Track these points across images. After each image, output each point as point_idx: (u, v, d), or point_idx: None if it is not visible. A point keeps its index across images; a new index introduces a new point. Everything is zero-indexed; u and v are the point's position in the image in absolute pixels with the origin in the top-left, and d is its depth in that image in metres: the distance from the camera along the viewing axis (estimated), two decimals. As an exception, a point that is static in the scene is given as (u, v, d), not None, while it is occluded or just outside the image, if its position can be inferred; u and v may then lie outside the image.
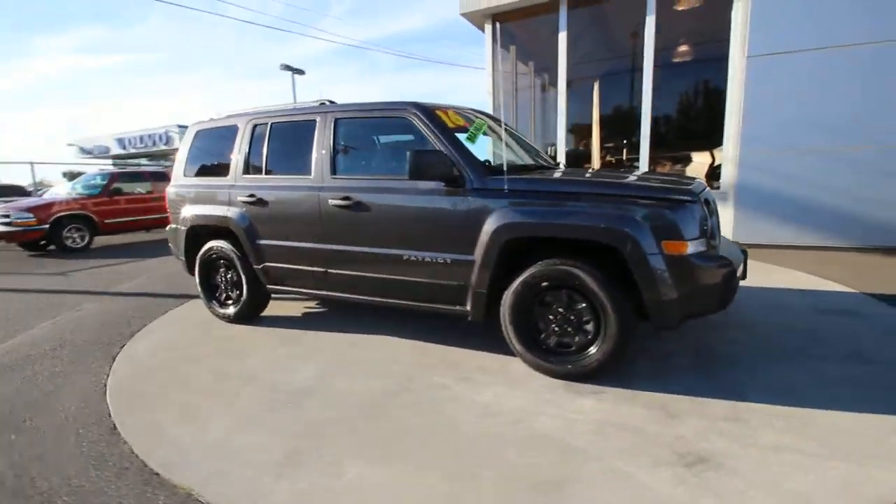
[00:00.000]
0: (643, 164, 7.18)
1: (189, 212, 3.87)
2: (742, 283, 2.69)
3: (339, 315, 4.02)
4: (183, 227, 3.92)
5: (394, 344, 3.29)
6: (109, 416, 2.48)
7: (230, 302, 3.85)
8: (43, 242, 8.72)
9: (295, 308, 4.24)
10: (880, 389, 2.39)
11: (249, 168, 3.57)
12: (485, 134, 3.18)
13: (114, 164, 25.75)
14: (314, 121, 3.28)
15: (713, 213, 2.58)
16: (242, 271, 3.63)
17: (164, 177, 10.58)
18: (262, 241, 3.47)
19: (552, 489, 1.77)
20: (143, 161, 26.58)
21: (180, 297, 4.83)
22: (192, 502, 1.80)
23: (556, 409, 2.33)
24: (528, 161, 3.52)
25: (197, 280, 3.93)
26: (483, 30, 8.33)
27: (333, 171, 3.17)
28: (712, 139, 8.29)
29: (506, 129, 3.55)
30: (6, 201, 9.94)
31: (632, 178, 2.84)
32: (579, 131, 10.20)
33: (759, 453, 1.92)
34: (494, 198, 2.62)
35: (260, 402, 2.55)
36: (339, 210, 3.08)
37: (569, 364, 2.55)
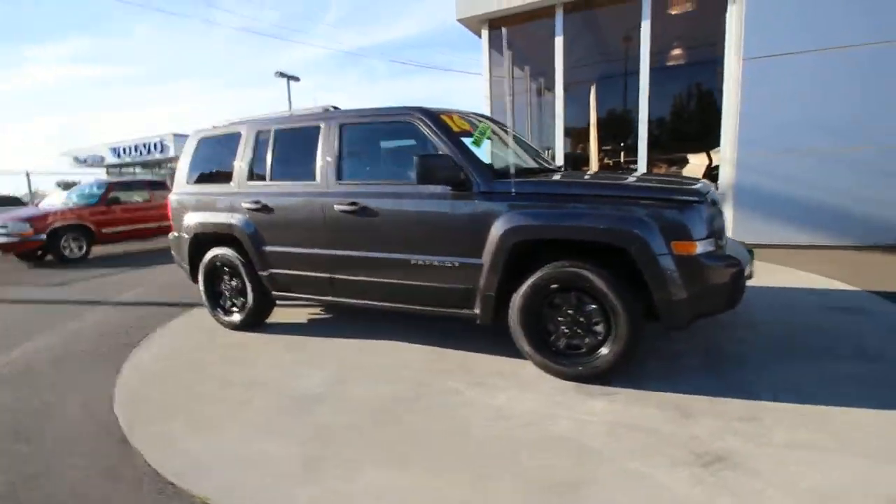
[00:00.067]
0: (641, 166, 7.22)
1: (192, 219, 3.85)
2: (747, 282, 2.71)
3: (344, 321, 4.01)
4: (186, 235, 3.91)
5: (402, 349, 3.28)
6: (119, 426, 2.46)
7: (235, 309, 3.83)
8: (40, 253, 8.65)
9: (299, 314, 4.23)
10: (888, 387, 2.41)
11: (253, 175, 3.56)
12: (488, 138, 3.20)
13: (108, 174, 25.68)
14: (318, 127, 3.29)
15: (719, 213, 2.60)
16: (247, 278, 3.61)
17: (161, 186, 10.55)
18: (268, 248, 3.47)
19: (569, 491, 1.77)
20: (138, 170, 26.52)
21: (182, 306, 4.80)
22: (209, 512, 1.79)
23: (569, 410, 2.33)
24: (532, 164, 3.53)
25: (201, 288, 3.91)
26: (480, 35, 8.38)
27: (339, 176, 3.17)
28: (709, 141, 8.38)
29: (508, 133, 3.57)
30: (2, 212, 9.88)
31: (638, 179, 2.85)
32: (576, 134, 10.28)
33: (775, 452, 1.93)
34: (502, 201, 2.63)
35: (271, 410, 2.53)
36: (345, 215, 3.08)
37: (579, 366, 2.55)
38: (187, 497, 1.88)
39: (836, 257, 5.40)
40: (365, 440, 2.19)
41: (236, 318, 3.79)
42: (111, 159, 26.63)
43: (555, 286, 2.55)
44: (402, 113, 3.02)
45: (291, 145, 3.45)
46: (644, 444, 2.03)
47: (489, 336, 3.30)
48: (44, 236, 8.18)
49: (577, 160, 9.32)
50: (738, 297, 2.44)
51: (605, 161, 9.47)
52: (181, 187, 4.01)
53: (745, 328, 3.29)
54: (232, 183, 3.64)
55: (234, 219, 3.55)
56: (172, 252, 4.24)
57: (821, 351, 2.88)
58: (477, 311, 2.79)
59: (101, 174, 24.77)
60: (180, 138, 24.39)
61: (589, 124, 9.18)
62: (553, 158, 7.98)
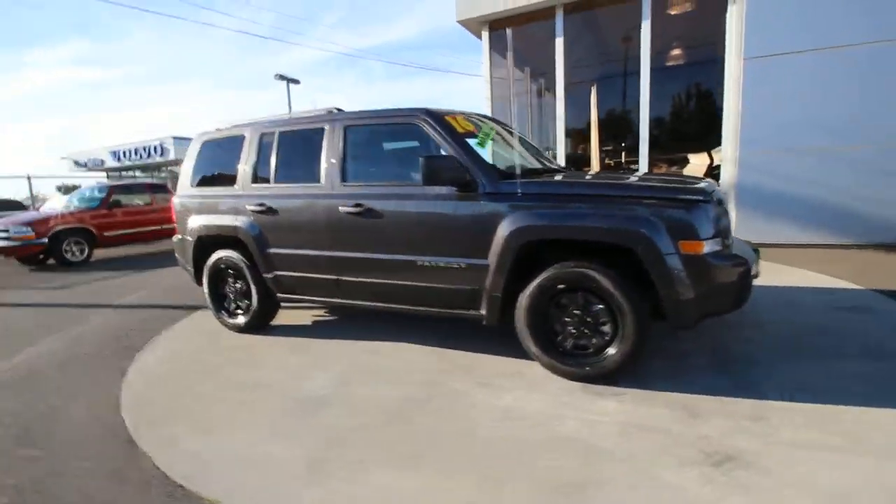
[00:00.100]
0: (643, 166, 7.23)
1: (196, 222, 3.85)
2: (753, 281, 2.71)
3: (349, 322, 4.01)
4: (190, 238, 3.91)
5: (407, 350, 3.28)
6: (125, 428, 2.45)
7: (239, 312, 3.83)
8: (42, 256, 8.66)
9: (304, 317, 4.22)
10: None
11: (257, 177, 3.57)
12: (492, 139, 3.20)
13: (108, 177, 25.68)
14: (323, 129, 3.29)
15: (725, 212, 2.60)
16: (252, 280, 3.61)
17: (162, 189, 10.56)
18: (272, 250, 3.47)
19: (580, 491, 1.76)
20: (138, 173, 26.52)
21: (186, 309, 4.80)
22: (219, 514, 1.79)
23: (578, 411, 2.33)
24: (536, 165, 3.53)
25: (205, 290, 3.91)
26: (480, 37, 8.39)
27: (344, 178, 3.17)
28: (709, 141, 8.39)
29: (512, 134, 3.58)
30: (3, 216, 9.88)
31: (643, 179, 2.85)
32: (576, 135, 10.29)
33: (786, 451, 1.92)
34: (508, 201, 2.63)
35: (278, 412, 2.53)
36: (351, 217, 3.08)
37: (587, 366, 2.55)
38: (196, 499, 1.87)
39: (838, 256, 5.40)
40: (372, 442, 2.18)
41: (241, 320, 3.79)
42: (111, 163, 26.65)
43: (561, 286, 2.55)
44: (406, 114, 3.02)
45: (295, 147, 3.45)
46: (654, 444, 2.02)
47: (493, 337, 3.30)
48: (46, 240, 8.18)
49: (578, 161, 9.33)
50: (746, 297, 2.44)
51: (607, 161, 9.48)
52: (185, 190, 4.01)
53: (750, 327, 3.28)
54: (236, 185, 3.64)
55: (239, 221, 3.55)
56: (176, 255, 4.24)
57: (827, 350, 2.87)
58: (483, 311, 2.79)
59: (101, 178, 24.77)
60: (180, 141, 24.42)
61: (589, 125, 9.18)
62: (554, 159, 7.99)
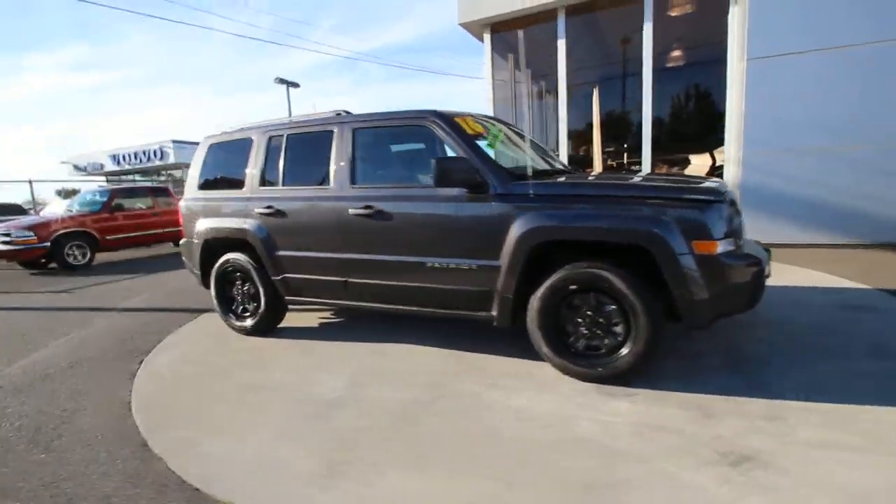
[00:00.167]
0: (645, 167, 7.24)
1: (204, 225, 3.85)
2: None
3: (355, 324, 4.00)
4: (197, 241, 3.91)
5: (415, 352, 3.28)
6: (138, 432, 2.44)
7: (247, 314, 3.82)
8: (43, 260, 8.64)
9: (310, 319, 4.22)
10: (910, 383, 2.40)
11: (265, 180, 3.57)
12: (502, 141, 3.21)
13: (107, 181, 25.65)
14: (331, 131, 3.29)
15: (738, 212, 2.61)
16: (260, 283, 3.61)
17: (164, 192, 10.56)
18: (281, 253, 3.46)
19: (601, 492, 1.76)
20: (137, 177, 26.50)
21: (192, 312, 4.79)
22: (237, 517, 1.78)
23: (592, 412, 2.33)
24: (545, 166, 3.54)
25: (213, 293, 3.91)
26: (482, 39, 8.41)
27: (353, 180, 3.17)
28: (712, 141, 8.41)
29: (520, 135, 3.59)
30: (4, 219, 9.87)
31: (654, 180, 2.86)
32: (578, 136, 10.30)
33: (803, 450, 1.92)
34: (519, 203, 2.63)
35: (290, 414, 2.52)
36: (360, 219, 3.08)
37: (599, 367, 2.55)
38: (213, 502, 1.87)
39: (841, 256, 5.42)
40: (387, 444, 2.18)
41: (248, 322, 3.78)
42: (111, 166, 26.63)
43: (573, 287, 2.55)
44: (416, 116, 3.02)
45: (304, 150, 3.46)
46: (670, 445, 2.02)
47: (500, 337, 3.30)
48: (48, 244, 8.17)
49: (580, 162, 9.35)
50: (759, 296, 2.44)
51: (609, 163, 9.49)
52: (192, 193, 4.01)
53: (760, 327, 3.29)
54: (244, 188, 3.64)
55: (247, 224, 3.55)
56: (183, 258, 4.23)
57: (837, 349, 2.88)
58: (494, 313, 2.79)
59: (101, 182, 24.75)
60: (180, 145, 24.43)
61: (591, 126, 9.20)
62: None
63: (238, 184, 3.71)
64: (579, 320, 2.60)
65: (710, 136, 8.62)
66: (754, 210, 6.29)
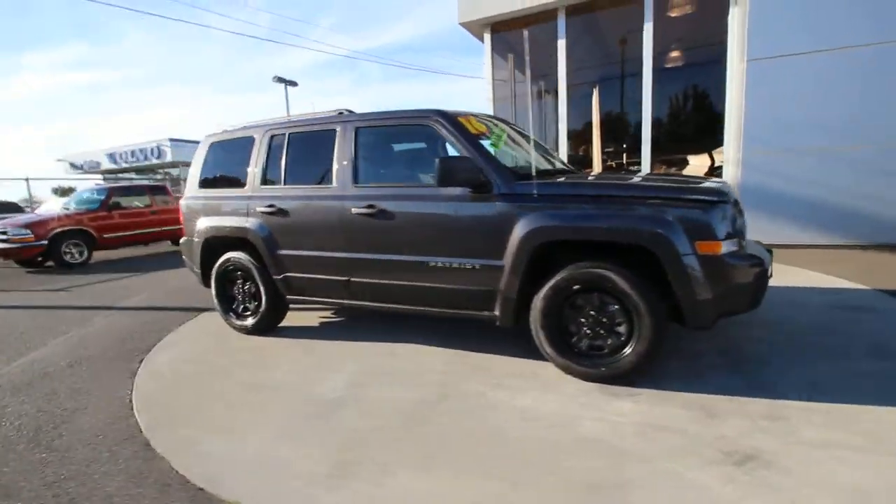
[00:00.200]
0: (645, 167, 7.26)
1: (204, 224, 3.84)
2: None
3: (355, 323, 4.00)
4: (198, 240, 3.89)
5: (417, 351, 3.28)
6: (141, 431, 2.43)
7: (248, 313, 3.81)
8: (40, 258, 8.59)
9: (311, 318, 4.21)
10: (911, 383, 2.42)
11: (267, 179, 3.56)
12: (505, 141, 3.21)
13: (104, 179, 25.54)
14: (334, 130, 3.29)
15: (741, 213, 2.62)
16: (261, 282, 3.60)
17: (162, 191, 10.52)
18: (283, 252, 3.45)
19: (607, 492, 1.76)
20: (133, 175, 26.39)
21: (191, 311, 4.77)
22: (242, 516, 1.78)
23: (595, 411, 2.33)
24: (548, 166, 3.54)
25: (213, 292, 3.89)
26: (482, 39, 8.42)
27: (355, 179, 3.17)
28: (711, 141, 8.43)
29: (523, 135, 3.58)
30: (2, 218, 9.81)
31: (658, 180, 2.86)
32: (576, 136, 10.32)
33: (806, 450, 1.93)
34: (523, 202, 2.63)
35: (294, 414, 2.52)
36: (363, 218, 3.08)
37: (602, 366, 2.55)
38: (218, 502, 1.86)
39: (839, 256, 5.44)
40: (393, 443, 2.18)
41: (249, 322, 3.77)
42: (107, 165, 26.54)
43: (577, 287, 2.55)
44: (419, 115, 3.02)
45: (306, 149, 3.45)
46: (674, 445, 2.03)
47: (502, 337, 3.30)
48: (45, 242, 8.13)
49: (580, 162, 9.37)
50: (761, 297, 2.45)
51: (608, 163, 9.51)
52: (193, 191, 4.00)
53: (760, 327, 3.30)
54: (246, 187, 3.63)
55: (249, 223, 3.54)
56: (183, 256, 4.22)
57: (837, 349, 2.89)
58: (497, 312, 2.79)
59: (98, 180, 24.63)
60: (177, 143, 24.36)
61: (591, 126, 9.21)
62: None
63: (239, 182, 3.70)
64: (582, 320, 2.60)
65: (709, 137, 8.65)
66: (753, 210, 6.30)
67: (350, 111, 3.42)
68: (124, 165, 26.01)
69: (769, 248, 2.89)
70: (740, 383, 2.53)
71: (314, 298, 3.52)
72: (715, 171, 8.33)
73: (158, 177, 26.33)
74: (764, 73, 6.06)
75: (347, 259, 3.21)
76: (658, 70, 7.38)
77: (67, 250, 8.42)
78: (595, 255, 2.55)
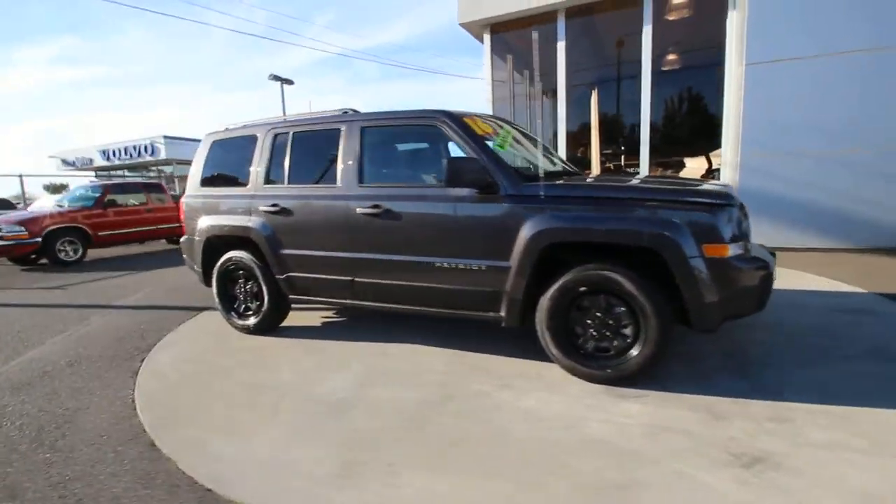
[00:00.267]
0: (643, 170, 7.30)
1: (206, 223, 3.81)
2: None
3: (358, 324, 3.99)
4: (199, 238, 3.86)
5: (421, 352, 3.27)
6: (145, 431, 2.41)
7: (250, 313, 3.79)
8: (34, 256, 8.50)
9: (312, 318, 4.20)
10: (912, 386, 2.45)
11: (270, 178, 3.54)
12: (511, 142, 3.21)
13: (97, 176, 25.30)
14: (339, 130, 3.28)
15: (746, 216, 2.64)
16: (264, 282, 3.58)
17: (158, 188, 10.44)
18: (286, 251, 3.44)
19: (619, 493, 1.77)
20: (126, 173, 26.15)
21: (189, 310, 4.74)
22: (252, 518, 1.77)
23: (603, 413, 2.34)
24: (553, 168, 3.55)
25: (214, 291, 3.87)
26: (481, 40, 8.42)
27: (361, 179, 3.16)
28: (708, 144, 8.49)
29: (527, 136, 3.59)
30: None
31: (665, 183, 2.88)
32: (575, 138, 10.35)
33: (813, 452, 1.95)
34: (530, 204, 2.64)
35: (299, 414, 2.51)
36: (368, 218, 3.07)
37: (608, 368, 2.56)
38: (225, 503, 1.85)
39: (837, 260, 5.50)
40: (399, 444, 2.17)
41: (251, 321, 3.75)
42: (100, 161, 26.26)
43: (583, 289, 2.56)
44: (425, 116, 3.01)
45: (310, 148, 3.43)
46: (682, 446, 2.04)
47: (504, 338, 3.31)
48: (39, 239, 8.04)
49: (578, 164, 9.40)
50: (767, 299, 2.47)
51: (607, 165, 9.55)
52: (194, 190, 3.97)
53: (762, 329, 3.33)
54: (248, 186, 3.61)
55: (252, 222, 3.52)
56: (184, 255, 4.19)
57: (839, 352, 2.92)
58: (503, 313, 2.79)
59: (91, 177, 24.39)
60: (171, 141, 24.16)
61: (589, 128, 9.25)
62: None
63: (242, 181, 3.68)
64: (588, 322, 2.61)
65: (706, 140, 8.70)
66: (751, 213, 6.33)
67: (355, 111, 3.42)
68: (117, 162, 25.75)
69: (772, 251, 2.91)
70: (744, 385, 2.55)
71: (317, 298, 3.50)
72: (712, 173, 8.39)
73: (151, 174, 26.11)
74: (762, 77, 6.11)
75: (351, 259, 3.20)
76: (656, 73, 7.43)
77: (62, 248, 8.34)
78: (600, 256, 2.56)
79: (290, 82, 21.96)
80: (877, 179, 5.78)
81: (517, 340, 3.25)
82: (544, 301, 2.63)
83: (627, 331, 2.53)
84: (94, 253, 9.23)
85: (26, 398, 2.89)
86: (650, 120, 7.25)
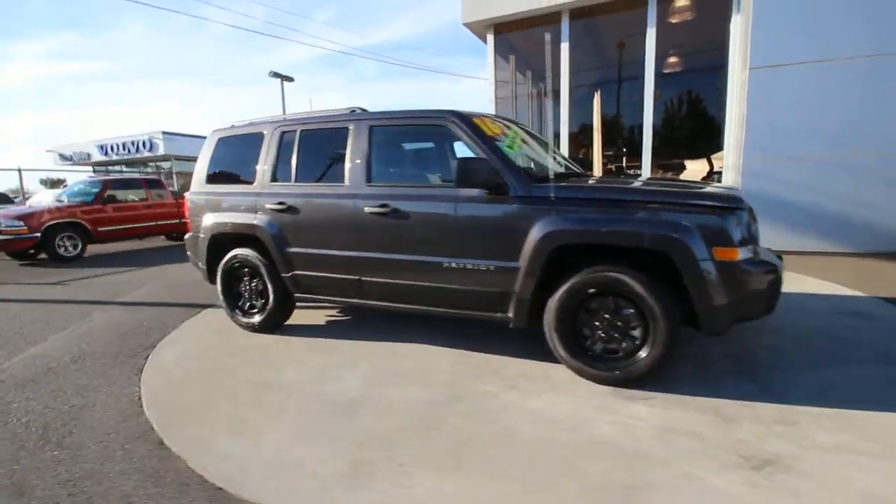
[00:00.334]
0: (645, 172, 7.32)
1: (211, 220, 3.80)
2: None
3: (362, 322, 3.98)
4: (204, 236, 3.85)
5: (427, 351, 3.28)
6: (153, 429, 2.41)
7: (255, 311, 3.78)
8: (32, 251, 8.45)
9: (317, 316, 4.19)
10: (916, 389, 2.47)
11: (277, 175, 3.53)
12: (520, 143, 3.22)
13: (94, 171, 25.16)
14: (347, 128, 3.27)
15: (755, 219, 2.65)
16: (269, 280, 3.57)
17: (158, 184, 10.40)
18: (292, 249, 3.43)
19: (631, 495, 1.77)
20: (124, 168, 26.02)
21: (192, 307, 4.73)
22: (264, 517, 1.77)
23: (611, 415, 2.35)
24: (561, 169, 3.55)
25: (219, 289, 3.86)
26: (485, 40, 8.42)
27: (369, 178, 3.15)
28: (710, 146, 8.52)
29: (535, 137, 3.59)
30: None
31: (675, 185, 2.89)
32: (577, 140, 10.37)
33: (821, 454, 1.96)
34: (540, 205, 2.64)
35: (307, 413, 2.50)
36: (376, 217, 3.07)
37: (616, 370, 2.57)
38: (238, 502, 1.85)
39: (837, 264, 5.52)
40: (409, 444, 2.17)
41: (256, 319, 3.74)
42: (98, 156, 26.10)
43: (592, 290, 2.57)
44: (434, 116, 3.01)
45: (318, 146, 3.43)
46: (691, 448, 2.05)
47: (511, 339, 3.31)
48: (38, 234, 8.00)
49: (581, 165, 9.42)
50: (775, 302, 2.48)
51: (608, 166, 9.57)
52: (199, 187, 3.96)
53: (767, 332, 3.35)
54: (255, 183, 3.60)
55: (258, 219, 3.51)
56: (188, 252, 4.17)
57: (843, 355, 2.94)
58: (510, 314, 2.80)
59: (88, 172, 24.26)
60: (170, 136, 24.05)
61: (591, 129, 9.26)
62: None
63: (248, 178, 3.67)
64: (597, 323, 2.62)
65: (708, 142, 8.74)
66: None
67: (363, 109, 3.41)
68: (115, 157, 25.60)
69: (779, 255, 2.92)
70: (751, 388, 2.56)
71: (323, 297, 3.50)
72: (713, 176, 8.42)
73: (149, 170, 25.99)
74: (765, 81, 6.13)
75: (359, 258, 3.19)
76: (659, 75, 7.45)
77: (61, 243, 8.29)
78: (609, 258, 2.56)
79: (290, 79, 21.89)
80: (877, 183, 5.82)
81: (524, 341, 3.25)
82: (552, 302, 2.64)
83: (636, 332, 2.54)
84: (92, 249, 9.18)
85: (31, 395, 2.88)
86: (654, 121, 7.26)
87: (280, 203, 3.42)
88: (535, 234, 2.61)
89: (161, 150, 24.01)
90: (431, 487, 1.87)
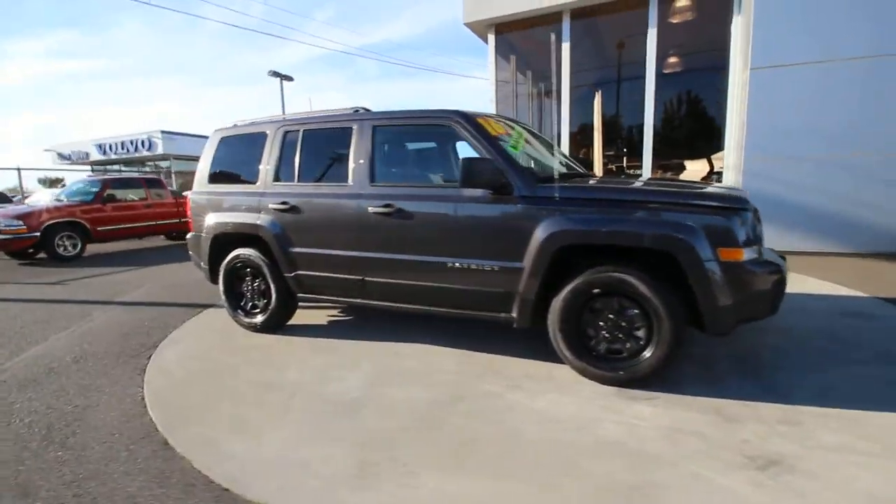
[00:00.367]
0: (646, 172, 7.33)
1: (213, 219, 3.79)
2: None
3: (366, 323, 3.98)
4: (206, 235, 3.84)
5: (430, 351, 3.28)
6: (157, 429, 2.40)
7: (257, 311, 3.78)
8: (31, 250, 8.43)
9: (318, 316, 4.19)
10: (919, 390, 2.47)
11: (280, 175, 3.53)
12: (524, 143, 3.22)
13: (93, 170, 25.09)
14: (350, 128, 3.27)
15: (759, 220, 2.65)
16: (272, 279, 3.57)
17: (158, 183, 10.38)
18: (295, 249, 3.43)
19: (638, 495, 1.78)
20: (123, 167, 25.96)
21: (192, 307, 4.72)
22: (271, 517, 1.76)
23: (615, 415, 2.35)
24: (565, 169, 3.55)
25: (221, 289, 3.85)
26: (486, 40, 8.42)
27: (372, 178, 3.15)
28: (710, 147, 8.53)
29: (539, 137, 3.59)
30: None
31: (680, 186, 2.89)
32: (577, 139, 10.38)
33: (825, 455, 1.97)
34: (544, 205, 2.64)
35: (311, 413, 2.50)
36: (380, 217, 3.07)
37: (620, 370, 2.57)
38: (243, 502, 1.85)
39: (838, 264, 5.53)
40: (414, 444, 2.17)
41: (258, 319, 3.74)
42: (96, 156, 26.06)
43: (596, 291, 2.57)
44: (439, 116, 3.01)
45: (321, 146, 3.42)
46: (696, 448, 2.05)
47: (513, 339, 3.32)
48: (37, 234, 7.98)
49: (581, 165, 9.42)
50: (779, 303, 2.49)
51: (609, 166, 9.58)
52: (201, 186, 3.95)
53: (769, 332, 3.35)
54: (258, 183, 3.60)
55: (261, 219, 3.50)
56: (190, 252, 4.17)
57: (845, 355, 2.95)
58: (514, 314, 2.80)
59: (86, 171, 24.19)
60: (169, 136, 24.01)
61: (592, 129, 9.27)
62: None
63: (250, 178, 3.66)
64: (601, 324, 2.62)
65: (708, 142, 8.75)
66: (752, 217, 6.42)
67: (367, 109, 3.41)
68: (114, 157, 25.55)
69: (783, 255, 2.93)
70: (754, 388, 2.56)
71: (326, 297, 3.50)
72: (713, 176, 8.43)
73: (147, 169, 25.93)
74: (766, 82, 6.14)
75: (363, 258, 3.19)
76: (660, 75, 7.45)
77: (61, 243, 8.28)
78: (613, 258, 2.57)
79: (289, 79, 21.87)
80: (877, 183, 5.83)
81: (527, 341, 3.25)
82: (557, 302, 2.64)
83: (640, 333, 2.54)
84: (91, 248, 9.16)
85: (33, 395, 2.87)
86: (654, 122, 7.27)
87: (283, 203, 3.42)
88: (539, 234, 2.61)
89: (160, 150, 23.98)
90: (437, 487, 1.87)
